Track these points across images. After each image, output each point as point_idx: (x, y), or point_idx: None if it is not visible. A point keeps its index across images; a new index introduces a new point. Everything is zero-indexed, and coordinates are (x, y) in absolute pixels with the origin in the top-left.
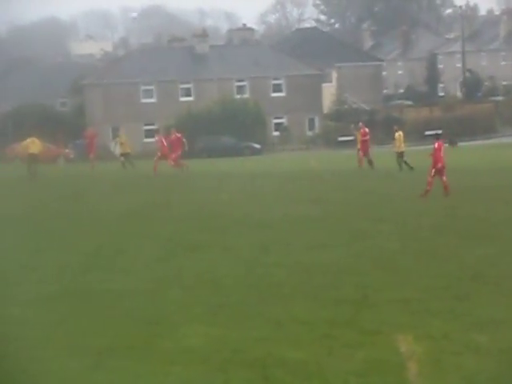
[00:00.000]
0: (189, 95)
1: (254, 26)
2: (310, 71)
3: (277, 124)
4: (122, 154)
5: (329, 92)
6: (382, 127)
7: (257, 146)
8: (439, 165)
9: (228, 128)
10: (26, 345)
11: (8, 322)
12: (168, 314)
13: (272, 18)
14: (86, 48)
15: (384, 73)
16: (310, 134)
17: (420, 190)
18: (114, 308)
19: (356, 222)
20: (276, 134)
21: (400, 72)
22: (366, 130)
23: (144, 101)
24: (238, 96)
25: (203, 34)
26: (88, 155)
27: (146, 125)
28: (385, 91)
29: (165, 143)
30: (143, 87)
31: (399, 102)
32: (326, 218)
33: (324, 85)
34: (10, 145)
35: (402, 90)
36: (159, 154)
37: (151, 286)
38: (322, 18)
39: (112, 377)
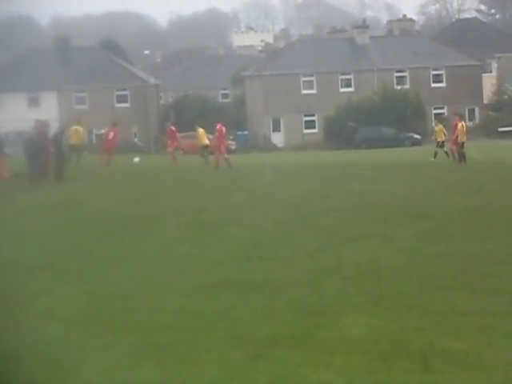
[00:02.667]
0: (349, 86)
1: (414, 17)
2: (470, 61)
3: (437, 114)
4: (202, 147)
5: (489, 82)
6: None
7: (417, 136)
8: None
9: (388, 119)
10: (188, 335)
11: (169, 312)
12: (329, 305)
13: (432, 9)
14: (247, 39)
15: None
16: (470, 124)
17: None
18: (274, 298)
19: None
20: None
21: None
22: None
23: (304, 92)
24: (398, 87)
25: (363, 25)
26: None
27: (306, 116)
28: None
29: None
30: (303, 78)
31: None
32: (487, 208)
33: (484, 75)
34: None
35: None
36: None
37: (312, 276)
38: (483, 7)
39: (273, 366)
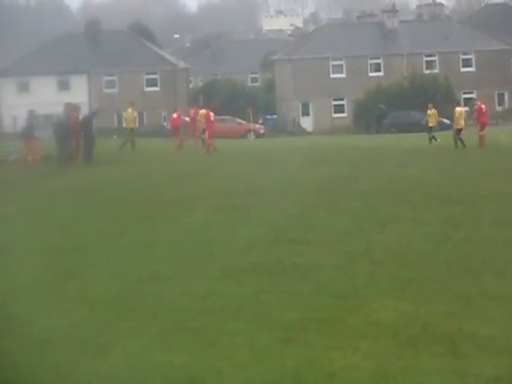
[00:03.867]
0: (378, 70)
1: (443, 1)
2: (500, 46)
3: (466, 99)
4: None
5: None
6: None
7: (446, 121)
8: None
9: (417, 103)
10: (217, 318)
11: (197, 295)
12: (357, 289)
13: None
14: (277, 23)
15: None
16: (499, 108)
17: None
18: (303, 282)
19: None
20: (465, 108)
21: None
22: (483, 106)
23: (333, 76)
24: (428, 71)
25: (393, 10)
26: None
27: (335, 100)
28: None
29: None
30: (333, 62)
31: None
32: None
33: None
34: None
35: None
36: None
37: (340, 259)
38: None
39: (302, 350)
